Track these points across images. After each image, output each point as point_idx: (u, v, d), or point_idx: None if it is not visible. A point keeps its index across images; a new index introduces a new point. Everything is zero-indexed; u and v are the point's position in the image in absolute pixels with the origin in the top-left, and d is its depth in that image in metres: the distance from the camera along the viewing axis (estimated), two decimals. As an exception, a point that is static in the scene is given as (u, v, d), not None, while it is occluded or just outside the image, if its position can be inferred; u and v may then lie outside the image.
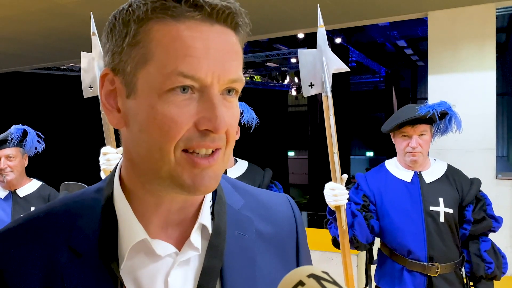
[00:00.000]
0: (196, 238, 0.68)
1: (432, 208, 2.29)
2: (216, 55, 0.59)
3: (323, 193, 2.15)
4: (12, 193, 2.74)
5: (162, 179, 0.62)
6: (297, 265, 0.79)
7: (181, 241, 0.68)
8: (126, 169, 0.69)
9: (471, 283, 2.36)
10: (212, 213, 0.72)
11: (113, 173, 0.72)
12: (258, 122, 2.76)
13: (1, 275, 0.64)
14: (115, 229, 0.66)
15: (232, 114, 0.63)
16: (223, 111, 0.60)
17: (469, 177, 2.41)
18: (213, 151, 0.61)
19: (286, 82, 16.65)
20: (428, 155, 2.46)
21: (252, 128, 2.71)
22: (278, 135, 15.66)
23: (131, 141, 0.64)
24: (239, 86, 0.64)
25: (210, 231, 0.70)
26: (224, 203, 0.74)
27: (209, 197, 0.73)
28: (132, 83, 0.61)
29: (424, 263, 2.26)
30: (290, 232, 0.81)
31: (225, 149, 0.64)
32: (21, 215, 2.62)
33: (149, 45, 0.59)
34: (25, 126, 2.77)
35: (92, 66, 2.27)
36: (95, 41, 2.25)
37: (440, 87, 4.58)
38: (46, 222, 0.68)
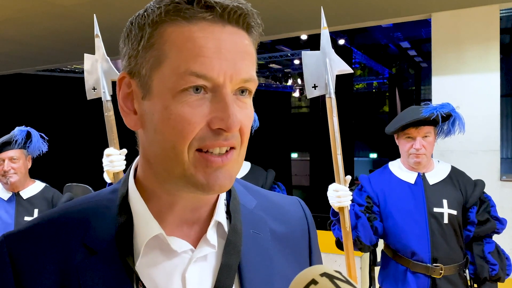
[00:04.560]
0: (212, 235, 0.69)
1: (435, 210, 2.28)
2: (227, 55, 0.60)
3: (326, 194, 2.15)
4: (16, 195, 2.74)
5: (176, 179, 0.63)
6: (310, 265, 0.80)
7: (196, 240, 0.69)
8: (143, 169, 0.70)
9: (475, 285, 2.36)
10: (227, 212, 0.73)
11: (128, 173, 0.73)
12: (258, 125, 2.76)
13: (17, 274, 0.65)
14: (130, 225, 0.67)
15: (245, 114, 0.64)
16: (236, 110, 0.61)
17: (473, 179, 2.41)
18: (227, 151, 0.62)
19: (289, 83, 16.65)
20: (432, 156, 2.45)
21: (254, 130, 2.70)
22: (281, 136, 15.64)
23: (147, 142, 0.65)
24: (252, 86, 0.64)
25: (226, 229, 0.71)
26: (238, 203, 0.75)
27: (223, 196, 0.74)
28: (148, 85, 0.62)
29: (428, 264, 2.25)
30: (303, 232, 0.82)
31: (240, 149, 0.65)
32: (25, 217, 2.64)
33: (163, 47, 0.61)
34: (28, 127, 2.77)
35: (95, 68, 2.27)
36: (99, 43, 2.25)
37: (444, 89, 4.57)
38: (61, 222, 0.69)
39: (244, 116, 0.63)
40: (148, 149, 0.66)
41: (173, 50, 0.60)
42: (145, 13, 0.63)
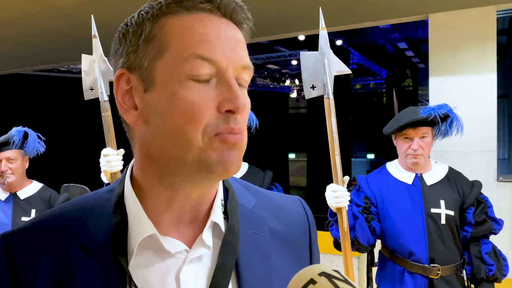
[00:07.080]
0: (207, 236, 0.68)
1: (433, 210, 2.29)
2: (227, 42, 0.63)
3: (324, 195, 2.15)
4: (13, 195, 2.73)
5: (188, 165, 0.62)
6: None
7: (192, 240, 0.69)
8: (141, 167, 0.69)
9: (472, 285, 2.36)
10: (224, 212, 0.72)
11: (125, 173, 0.73)
12: (257, 125, 2.75)
13: (14, 272, 0.65)
14: (124, 225, 0.67)
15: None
16: (241, 93, 0.63)
17: (470, 180, 2.41)
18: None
19: (286, 84, 16.64)
20: (429, 157, 2.46)
21: (252, 130, 2.71)
22: (279, 137, 15.64)
23: (150, 136, 0.65)
24: (249, 75, 0.67)
25: (223, 229, 0.70)
26: (236, 203, 0.74)
27: (220, 196, 0.73)
28: (150, 77, 0.63)
29: (425, 265, 2.25)
30: (303, 232, 0.81)
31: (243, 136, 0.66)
32: (22, 217, 2.64)
33: (165, 37, 0.62)
34: (26, 128, 2.77)
35: (93, 68, 2.27)
36: (96, 43, 2.25)
37: (441, 89, 4.57)
38: (58, 221, 0.69)
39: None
40: (151, 144, 0.65)
41: (175, 38, 0.62)
42: (141, 12, 0.65)
